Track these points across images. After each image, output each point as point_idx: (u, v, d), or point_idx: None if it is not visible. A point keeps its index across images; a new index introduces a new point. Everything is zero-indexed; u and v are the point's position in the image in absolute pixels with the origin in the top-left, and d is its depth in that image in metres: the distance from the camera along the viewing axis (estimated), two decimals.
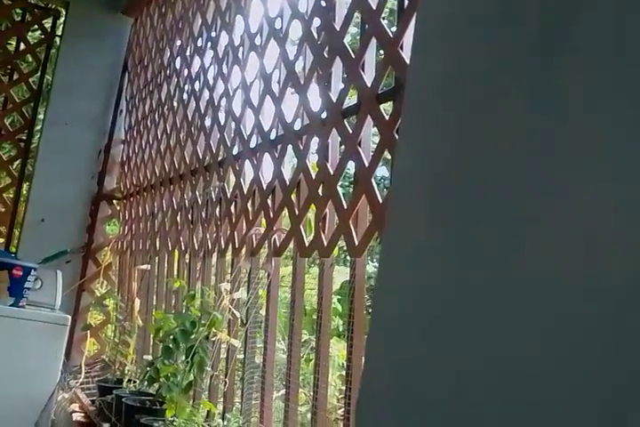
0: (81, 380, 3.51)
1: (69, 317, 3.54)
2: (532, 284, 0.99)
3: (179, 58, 4.03)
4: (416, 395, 1.19)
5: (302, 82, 2.55)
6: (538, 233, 1.02)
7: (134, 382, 3.19)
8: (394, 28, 2.05)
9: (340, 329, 5.14)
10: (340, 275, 4.08)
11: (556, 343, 0.91)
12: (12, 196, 5.07)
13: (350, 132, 2.17)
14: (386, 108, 2.09)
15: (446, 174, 1.30)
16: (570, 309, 0.91)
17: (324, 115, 2.36)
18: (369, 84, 2.10)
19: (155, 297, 3.71)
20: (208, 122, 3.43)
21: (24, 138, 5.10)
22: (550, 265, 0.97)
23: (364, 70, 2.17)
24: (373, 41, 2.15)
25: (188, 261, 3.34)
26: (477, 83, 1.30)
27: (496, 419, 0.99)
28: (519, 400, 0.96)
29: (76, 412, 3.21)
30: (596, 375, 0.84)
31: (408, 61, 1.91)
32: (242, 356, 2.69)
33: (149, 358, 3.00)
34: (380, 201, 1.93)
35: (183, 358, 2.54)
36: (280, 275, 2.81)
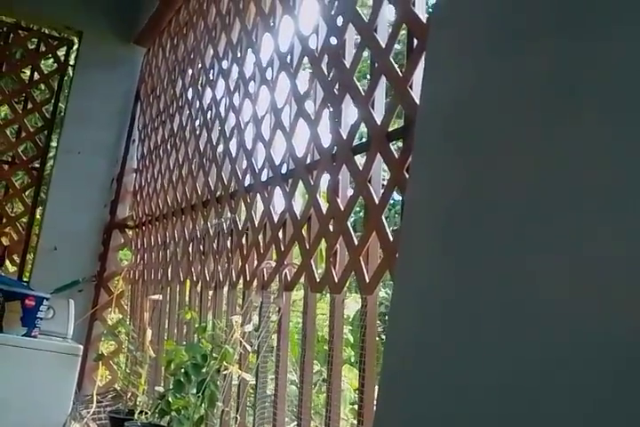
0: (92, 410, 3.51)
1: (81, 347, 3.54)
2: (544, 315, 1.01)
3: (190, 89, 4.07)
4: None
5: (313, 117, 2.58)
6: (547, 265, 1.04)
7: (146, 413, 3.19)
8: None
9: (352, 360, 5.13)
10: (353, 303, 4.09)
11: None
12: (24, 223, 5.11)
13: (360, 168, 2.19)
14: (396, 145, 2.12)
15: (456, 213, 1.32)
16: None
17: (334, 150, 2.38)
18: (379, 122, 2.13)
19: (166, 327, 3.72)
20: (220, 153, 3.47)
21: (37, 166, 5.16)
22: (561, 294, 1.00)
23: (373, 108, 2.20)
24: (383, 79, 2.17)
25: (199, 291, 3.35)
26: (485, 123, 1.32)
27: None
28: None
29: None
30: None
31: (417, 100, 1.94)
32: (253, 388, 2.69)
33: (161, 389, 3.01)
34: (391, 239, 1.94)
35: (194, 391, 2.55)
36: (292, 299, 2.81)
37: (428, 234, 1.41)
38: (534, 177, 1.14)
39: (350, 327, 4.92)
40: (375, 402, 1.49)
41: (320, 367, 3.89)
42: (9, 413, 3.26)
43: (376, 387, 2.07)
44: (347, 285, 2.25)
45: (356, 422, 2.38)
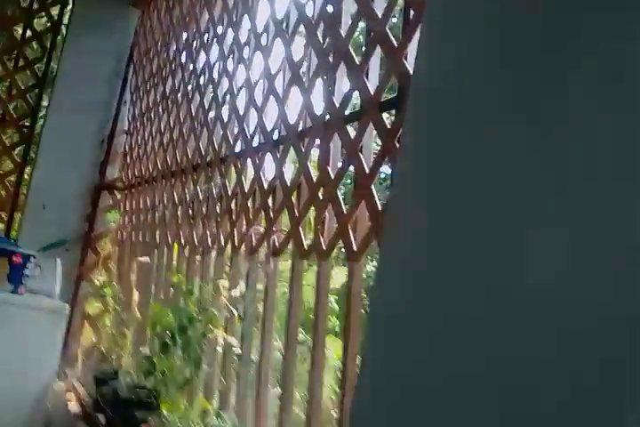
0: (78, 370, 3.55)
1: (68, 305, 3.58)
2: (533, 299, 1.03)
3: (184, 52, 4.04)
4: (413, 396, 1.23)
5: (306, 84, 2.57)
6: (538, 236, 1.06)
7: (130, 374, 3.22)
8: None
9: (337, 329, 5.17)
10: (340, 275, 4.10)
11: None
12: (13, 181, 5.10)
13: (352, 137, 2.20)
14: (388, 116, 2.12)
15: (445, 185, 1.34)
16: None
17: (326, 118, 2.38)
18: (372, 92, 2.13)
19: (153, 290, 3.74)
20: (211, 118, 3.46)
21: (27, 124, 5.13)
22: (545, 277, 1.01)
23: (367, 78, 2.20)
24: (378, 49, 2.17)
25: (187, 255, 3.37)
26: (476, 95, 1.33)
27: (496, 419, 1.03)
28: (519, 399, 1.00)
29: (71, 402, 3.25)
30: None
31: (411, 70, 1.94)
32: (238, 353, 2.72)
33: (146, 350, 3.04)
34: (380, 209, 1.96)
35: (180, 353, 2.58)
36: (279, 269, 2.82)
37: (415, 205, 1.42)
38: (523, 151, 1.15)
39: (336, 297, 4.95)
40: (358, 370, 1.52)
41: (305, 336, 3.93)
42: None
43: (358, 356, 2.11)
44: (333, 253, 2.27)
45: (338, 389, 2.42)
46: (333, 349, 4.92)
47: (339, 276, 3.80)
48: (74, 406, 3.18)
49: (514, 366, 1.01)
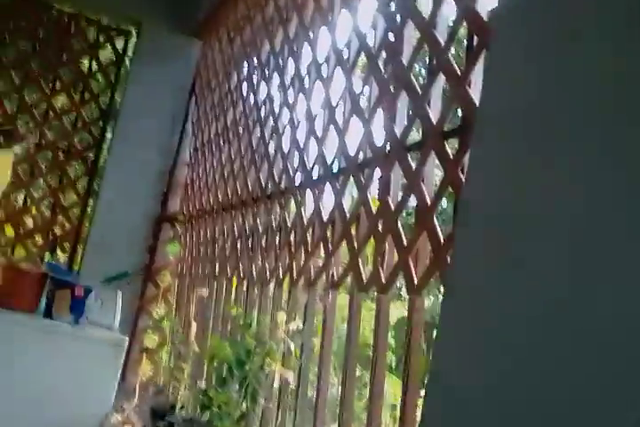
0: (134, 403, 3.52)
1: (127, 338, 3.57)
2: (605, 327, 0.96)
3: (245, 83, 4.07)
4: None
5: (367, 114, 2.54)
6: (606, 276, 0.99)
7: (187, 408, 3.19)
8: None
9: (393, 365, 5.08)
10: (394, 310, 4.04)
11: None
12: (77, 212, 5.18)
13: (413, 167, 2.15)
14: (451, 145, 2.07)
15: (514, 215, 1.28)
16: None
17: (387, 149, 2.34)
18: (434, 121, 2.08)
19: (211, 322, 3.71)
20: (272, 149, 3.45)
21: (91, 156, 5.22)
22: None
23: (429, 106, 2.15)
24: (440, 77, 2.12)
25: (245, 288, 3.34)
26: (546, 125, 1.27)
27: None
28: None
29: None
30: None
31: (475, 99, 1.89)
32: (295, 387, 2.67)
33: (203, 384, 3.00)
34: (442, 240, 1.90)
35: (237, 387, 2.53)
36: (336, 304, 2.77)
37: (483, 236, 1.37)
38: (593, 178, 1.09)
39: (393, 332, 4.87)
40: (420, 411, 1.45)
41: (361, 372, 3.85)
42: (53, 400, 3.29)
43: (419, 392, 2.03)
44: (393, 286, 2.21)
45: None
46: (389, 385, 4.83)
47: (393, 311, 3.73)
48: None
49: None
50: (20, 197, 5.39)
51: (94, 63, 5.42)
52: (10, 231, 5.05)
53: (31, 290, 3.63)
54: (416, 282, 1.99)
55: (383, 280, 2.18)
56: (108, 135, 5.39)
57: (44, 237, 5.07)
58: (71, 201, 5.24)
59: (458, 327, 1.37)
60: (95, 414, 3.34)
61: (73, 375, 3.36)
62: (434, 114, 2.12)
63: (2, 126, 5.10)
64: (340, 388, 2.43)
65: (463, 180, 1.85)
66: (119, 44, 5.46)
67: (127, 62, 5.47)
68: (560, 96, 1.26)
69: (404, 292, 6.58)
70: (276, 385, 2.69)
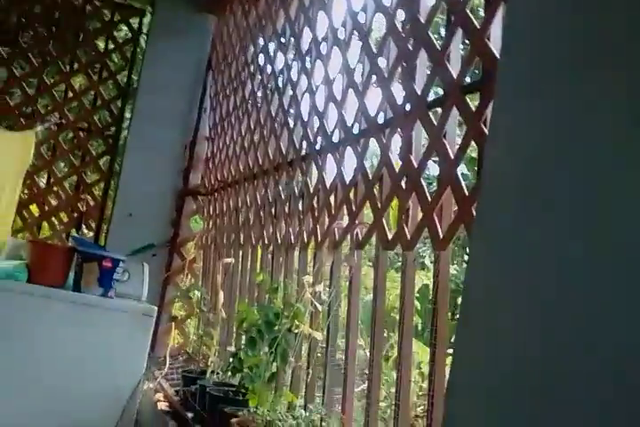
0: (165, 371, 3.58)
1: (156, 308, 3.62)
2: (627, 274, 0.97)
3: (262, 55, 4.07)
4: (514, 394, 1.17)
5: (386, 75, 2.54)
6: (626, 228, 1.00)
7: (217, 373, 3.24)
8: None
9: (419, 328, 5.10)
10: (417, 279, 4.07)
11: None
12: (100, 189, 5.24)
13: (435, 124, 2.16)
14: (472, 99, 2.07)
15: (537, 162, 1.28)
16: None
17: (407, 107, 2.35)
18: (455, 76, 2.08)
19: (238, 290, 3.76)
20: (291, 117, 3.46)
21: (112, 134, 5.27)
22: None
23: (449, 62, 2.15)
24: (459, 32, 2.12)
25: (271, 255, 3.37)
26: (567, 72, 1.28)
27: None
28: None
29: (160, 401, 3.28)
30: None
31: (495, 51, 1.89)
32: (324, 348, 2.70)
33: (233, 349, 3.05)
34: (466, 193, 1.91)
35: (266, 349, 2.57)
36: (360, 277, 2.78)
37: (508, 189, 1.37)
38: (621, 137, 1.09)
39: (417, 295, 4.89)
40: (449, 366, 1.46)
41: (387, 335, 3.88)
42: (86, 370, 3.36)
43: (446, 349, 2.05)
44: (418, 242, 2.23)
45: (425, 384, 2.36)
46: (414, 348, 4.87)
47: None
48: (162, 405, 3.21)
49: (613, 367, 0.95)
50: (44, 177, 5.46)
51: (110, 43, 5.45)
52: (35, 210, 5.12)
53: (59, 265, 3.68)
54: (441, 236, 2.01)
55: (408, 237, 2.20)
56: (127, 113, 5.42)
57: (69, 215, 5.14)
58: (94, 179, 5.30)
59: (486, 270, 1.38)
60: (127, 382, 3.40)
61: (104, 346, 3.42)
62: (454, 69, 2.12)
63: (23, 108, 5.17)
64: (367, 349, 2.46)
65: (486, 132, 1.86)
66: (134, 22, 5.48)
67: (143, 41, 5.49)
68: (580, 40, 1.25)
69: (427, 260, 6.60)
70: (305, 346, 2.73)
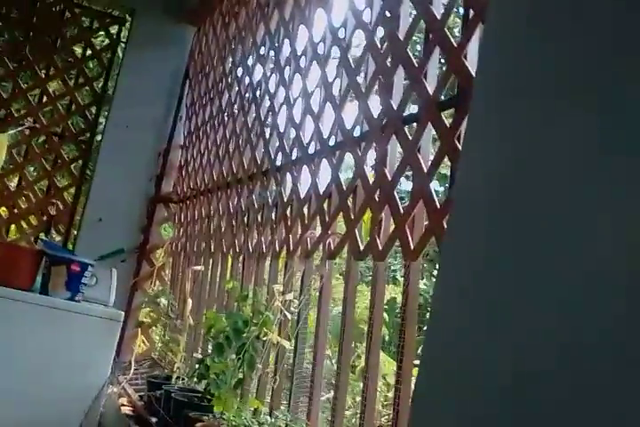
0: (130, 375, 3.58)
1: (123, 313, 3.62)
2: (590, 287, 1.01)
3: (240, 66, 4.11)
4: (474, 391, 1.21)
5: (364, 90, 2.60)
6: (594, 241, 1.04)
7: (183, 379, 3.25)
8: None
9: (385, 339, 5.14)
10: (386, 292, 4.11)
11: None
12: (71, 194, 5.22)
13: (410, 139, 2.21)
14: (447, 116, 2.13)
15: (508, 176, 1.33)
16: None
17: (383, 122, 2.40)
18: (431, 92, 2.14)
19: (207, 297, 3.77)
20: (268, 128, 3.50)
21: (85, 140, 5.26)
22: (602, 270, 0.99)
23: (426, 79, 2.21)
24: (437, 50, 2.18)
25: (241, 263, 3.40)
26: (545, 95, 1.33)
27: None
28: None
29: (124, 405, 3.28)
30: None
31: (471, 70, 1.95)
32: (291, 357, 2.72)
33: (199, 356, 3.06)
34: (438, 206, 1.96)
35: (233, 356, 2.59)
36: (331, 287, 2.81)
37: (479, 202, 1.41)
38: (592, 152, 1.14)
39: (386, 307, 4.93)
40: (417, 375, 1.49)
41: (355, 346, 3.91)
42: (51, 374, 3.35)
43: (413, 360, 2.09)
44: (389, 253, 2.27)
45: (390, 394, 2.39)
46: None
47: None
48: (126, 409, 3.20)
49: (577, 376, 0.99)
50: (15, 180, 5.42)
51: (88, 49, 5.46)
52: (4, 212, 5.09)
53: (27, 267, 3.66)
54: (412, 247, 2.06)
55: (380, 247, 2.25)
56: (102, 119, 5.42)
57: (39, 219, 5.11)
58: (65, 183, 5.28)
59: (456, 280, 1.42)
60: (92, 386, 3.40)
61: (70, 349, 3.41)
62: (430, 86, 2.18)
63: None
64: (334, 359, 2.49)
65: (460, 148, 1.92)
66: (113, 30, 5.49)
67: (121, 49, 5.50)
68: (554, 65, 1.30)
69: (398, 275, 6.66)
70: (272, 354, 2.75)
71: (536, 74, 1.36)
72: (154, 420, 2.91)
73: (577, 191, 1.13)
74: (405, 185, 4.54)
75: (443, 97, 2.14)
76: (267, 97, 3.58)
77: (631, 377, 0.88)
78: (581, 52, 1.24)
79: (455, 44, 2.06)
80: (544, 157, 1.25)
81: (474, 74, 1.89)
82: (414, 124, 2.24)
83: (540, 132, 1.28)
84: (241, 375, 2.59)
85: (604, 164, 1.08)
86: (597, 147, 1.11)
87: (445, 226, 1.91)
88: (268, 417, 2.34)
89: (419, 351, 2.35)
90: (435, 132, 2.12)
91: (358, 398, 2.33)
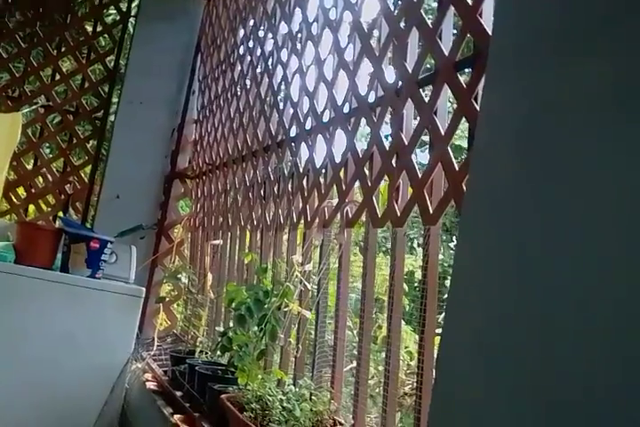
0: (153, 351, 3.59)
1: (144, 289, 3.62)
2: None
3: (252, 37, 4.06)
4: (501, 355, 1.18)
5: (377, 53, 2.54)
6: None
7: (206, 352, 3.25)
8: None
9: (406, 310, 5.12)
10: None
11: None
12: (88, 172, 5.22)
13: (426, 101, 2.16)
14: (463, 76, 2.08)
15: (529, 139, 1.29)
16: None
17: (398, 85, 2.35)
18: (446, 53, 2.09)
19: (227, 271, 3.76)
20: (281, 98, 3.46)
21: (100, 117, 5.24)
22: None
23: (441, 39, 2.15)
24: (451, 9, 2.13)
25: (260, 236, 3.37)
26: (561, 50, 1.28)
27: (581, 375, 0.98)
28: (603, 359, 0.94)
29: (148, 381, 3.29)
30: None
31: (487, 29, 1.90)
32: (312, 328, 2.71)
33: (221, 329, 3.05)
34: (457, 169, 1.92)
35: (255, 328, 2.58)
36: (349, 260, 2.77)
37: (500, 161, 1.38)
38: (608, 102, 1.10)
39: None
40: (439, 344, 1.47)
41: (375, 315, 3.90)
42: (74, 350, 3.36)
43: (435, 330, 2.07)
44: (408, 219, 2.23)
45: (412, 363, 2.37)
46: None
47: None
48: (151, 385, 3.21)
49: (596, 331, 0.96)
50: (31, 159, 5.43)
51: (99, 25, 5.42)
52: (22, 192, 5.10)
53: (47, 246, 3.68)
54: (431, 211, 2.02)
55: (398, 213, 2.21)
56: (115, 98, 5.40)
57: (56, 197, 5.12)
58: (81, 162, 5.27)
59: (474, 244, 1.39)
60: (115, 363, 3.42)
61: (92, 326, 3.43)
62: (445, 47, 2.12)
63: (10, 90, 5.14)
64: (355, 330, 2.47)
65: (477, 109, 1.87)
66: (123, 5, 5.45)
67: (131, 24, 5.45)
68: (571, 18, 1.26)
69: (415, 244, 6.64)
70: (294, 325, 2.74)
71: (551, 30, 1.32)
72: (179, 394, 2.91)
73: (596, 144, 1.10)
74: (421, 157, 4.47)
75: (458, 58, 2.08)
76: (279, 67, 3.53)
77: None
78: (599, 4, 1.20)
79: (470, 3, 2.01)
80: (561, 115, 1.22)
81: (490, 32, 1.83)
82: (430, 86, 2.19)
83: (556, 90, 1.25)
84: (263, 347, 2.58)
85: (619, 118, 1.04)
86: (612, 97, 1.07)
87: (465, 189, 1.88)
88: (292, 387, 2.32)
89: (440, 320, 2.34)
90: (451, 94, 2.07)
91: (380, 368, 2.30)
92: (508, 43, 1.49)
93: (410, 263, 6.13)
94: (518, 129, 1.33)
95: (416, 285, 5.26)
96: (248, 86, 3.94)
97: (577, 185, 1.11)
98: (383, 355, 2.32)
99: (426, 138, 2.21)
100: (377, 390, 3.34)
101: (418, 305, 2.08)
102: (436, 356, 1.87)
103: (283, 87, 3.47)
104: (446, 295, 1.49)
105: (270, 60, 3.69)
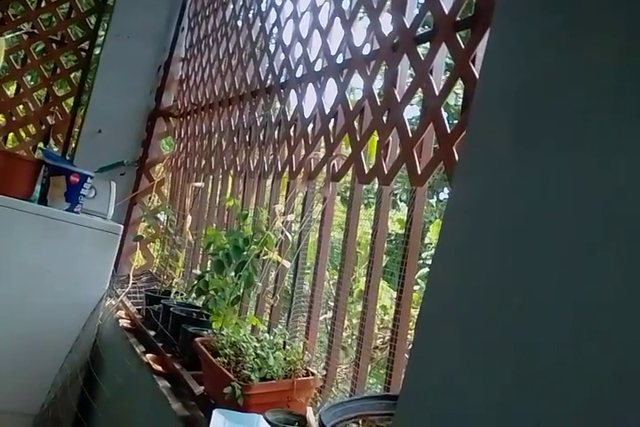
0: (128, 289, 3.60)
1: (121, 226, 3.61)
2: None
3: None
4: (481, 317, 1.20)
5: (375, 5, 2.50)
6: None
7: (181, 294, 3.27)
8: None
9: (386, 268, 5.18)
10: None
11: None
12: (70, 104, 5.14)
13: (422, 59, 2.14)
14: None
15: (530, 100, 1.28)
16: None
17: (395, 40, 2.32)
18: (447, 11, 2.05)
19: (206, 215, 3.76)
20: (272, 43, 3.40)
21: (85, 48, 5.13)
22: None
23: None
24: None
25: (242, 181, 3.36)
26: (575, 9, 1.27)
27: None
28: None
29: (122, 318, 3.31)
30: None
31: None
32: (290, 278, 2.72)
33: (198, 272, 3.07)
34: (449, 131, 1.91)
35: (233, 274, 2.59)
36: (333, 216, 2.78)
37: (499, 124, 1.37)
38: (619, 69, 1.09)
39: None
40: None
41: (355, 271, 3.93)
42: (49, 284, 3.37)
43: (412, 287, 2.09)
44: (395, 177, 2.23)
45: (387, 317, 2.40)
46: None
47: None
48: (124, 322, 3.23)
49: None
50: (12, 86, 5.33)
51: None
52: (1, 119, 5.02)
53: (26, 176, 3.64)
54: (419, 171, 2.02)
55: (385, 171, 2.21)
56: (103, 29, 5.28)
57: (37, 127, 5.05)
58: (64, 93, 5.18)
59: (465, 210, 1.39)
60: (90, 298, 3.43)
61: (68, 260, 3.43)
62: (446, 4, 2.09)
63: None
64: (332, 281, 2.49)
65: (474, 71, 1.86)
66: None
67: None
68: None
69: (398, 200, 6.66)
70: (272, 274, 2.76)
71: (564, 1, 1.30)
72: (152, 333, 2.94)
73: (604, 110, 1.09)
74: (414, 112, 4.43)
75: (459, 18, 2.05)
76: (273, 10, 3.46)
77: None
78: None
79: None
80: (564, 80, 1.20)
81: None
82: (427, 43, 2.17)
83: (560, 51, 1.23)
84: (240, 293, 2.60)
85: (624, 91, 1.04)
86: (621, 68, 1.06)
87: (455, 152, 1.87)
88: (267, 335, 2.35)
89: (416, 277, 2.36)
90: (449, 53, 2.05)
91: (354, 321, 2.33)
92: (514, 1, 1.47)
93: (393, 219, 6.17)
94: (524, 90, 1.32)
95: (392, 238, 5.31)
96: (239, 28, 3.86)
97: (576, 154, 1.11)
98: (359, 308, 2.35)
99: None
100: (349, 342, 3.40)
101: (394, 257, 2.10)
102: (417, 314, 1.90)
103: (275, 31, 3.41)
104: (431, 252, 1.50)
105: (264, 2, 3.61)
